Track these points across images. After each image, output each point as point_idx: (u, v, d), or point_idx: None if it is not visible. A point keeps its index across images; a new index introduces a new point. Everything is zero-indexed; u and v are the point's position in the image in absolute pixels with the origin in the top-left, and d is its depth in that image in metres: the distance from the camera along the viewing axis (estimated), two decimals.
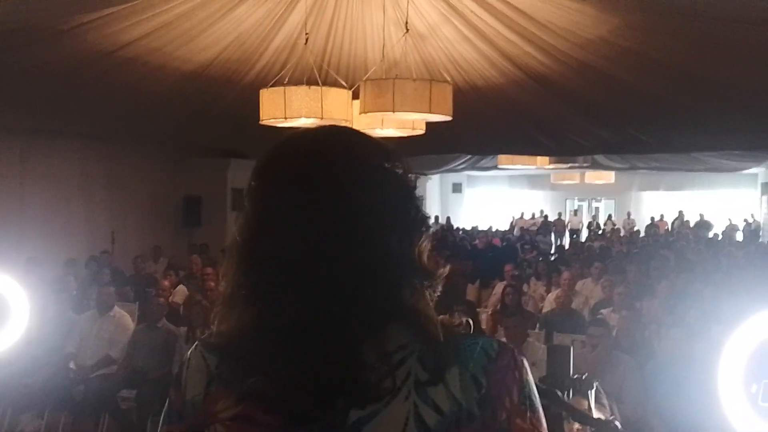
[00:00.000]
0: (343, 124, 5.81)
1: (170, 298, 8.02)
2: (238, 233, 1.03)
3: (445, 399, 0.94)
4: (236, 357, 1.00)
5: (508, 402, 0.97)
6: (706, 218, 21.71)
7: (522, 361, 1.01)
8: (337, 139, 1.06)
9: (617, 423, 2.02)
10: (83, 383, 6.28)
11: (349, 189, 0.97)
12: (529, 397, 0.99)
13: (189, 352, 1.08)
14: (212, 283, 7.74)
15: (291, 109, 5.45)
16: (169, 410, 1.08)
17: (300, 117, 5.52)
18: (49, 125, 10.38)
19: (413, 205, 1.03)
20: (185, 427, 1.04)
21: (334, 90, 5.70)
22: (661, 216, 22.99)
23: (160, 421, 1.10)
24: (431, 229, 1.06)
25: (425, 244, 1.03)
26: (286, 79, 5.97)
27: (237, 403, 0.97)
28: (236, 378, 0.98)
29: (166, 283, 8.16)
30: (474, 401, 0.95)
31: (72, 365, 6.54)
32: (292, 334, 0.95)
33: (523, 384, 0.99)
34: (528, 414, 0.98)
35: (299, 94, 5.47)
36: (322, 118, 5.51)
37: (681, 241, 16.64)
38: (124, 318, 6.88)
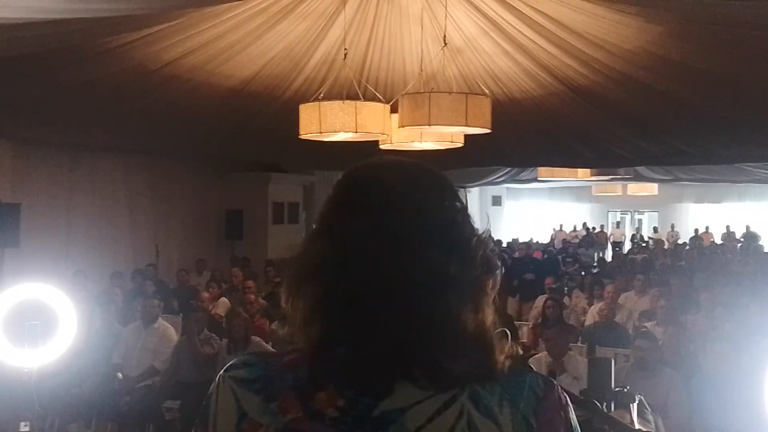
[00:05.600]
0: (380, 137, 5.86)
1: (213, 310, 8.13)
2: (316, 254, 1.02)
3: None
4: (276, 391, 0.99)
5: None
6: (752, 230, 21.22)
7: (566, 398, 1.03)
8: (426, 186, 1.07)
9: None
10: (129, 394, 6.40)
11: (430, 239, 1.00)
12: None
13: (215, 386, 1.04)
14: (252, 296, 7.84)
15: (326, 124, 5.51)
16: None
17: (335, 131, 5.58)
18: (96, 141, 10.63)
19: (486, 247, 1.08)
20: None
21: (369, 104, 5.74)
22: (707, 228, 22.55)
23: None
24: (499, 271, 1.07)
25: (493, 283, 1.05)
26: (324, 95, 6.04)
27: None
28: (272, 414, 0.97)
29: (206, 294, 8.28)
30: None
31: (120, 376, 6.67)
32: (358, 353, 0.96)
33: (568, 424, 1.01)
34: None
35: (333, 108, 5.53)
36: (356, 132, 5.56)
37: (727, 254, 16.30)
38: (169, 330, 7.00)
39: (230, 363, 1.05)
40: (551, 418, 0.99)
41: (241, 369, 1.03)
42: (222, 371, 1.04)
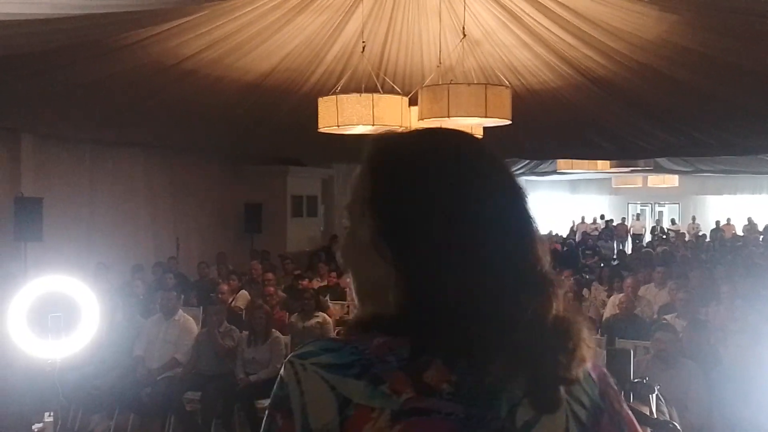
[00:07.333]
0: (398, 130, 5.84)
1: (233, 302, 8.18)
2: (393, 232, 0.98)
3: (583, 394, 1.02)
4: (382, 373, 0.92)
5: (613, 393, 1.08)
6: None
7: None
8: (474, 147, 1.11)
9: (676, 424, 2.00)
10: (150, 385, 6.46)
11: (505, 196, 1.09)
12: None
13: (293, 374, 0.94)
14: (272, 289, 7.89)
15: (343, 117, 5.51)
16: None
17: (353, 124, 5.59)
18: (116, 136, 10.72)
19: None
20: None
21: (386, 97, 5.72)
22: (728, 220, 22.30)
23: None
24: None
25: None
26: (342, 88, 6.04)
27: (392, 422, 0.90)
28: (384, 396, 0.91)
29: (225, 287, 8.33)
30: (597, 395, 1.04)
31: (142, 367, 6.73)
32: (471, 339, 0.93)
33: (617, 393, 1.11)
34: (624, 402, 1.11)
35: (351, 101, 5.53)
36: (374, 125, 5.55)
37: (749, 246, 16.13)
38: (189, 322, 7.05)
39: (301, 351, 0.96)
40: (600, 374, 1.07)
41: (322, 355, 0.94)
42: (295, 359, 0.95)
